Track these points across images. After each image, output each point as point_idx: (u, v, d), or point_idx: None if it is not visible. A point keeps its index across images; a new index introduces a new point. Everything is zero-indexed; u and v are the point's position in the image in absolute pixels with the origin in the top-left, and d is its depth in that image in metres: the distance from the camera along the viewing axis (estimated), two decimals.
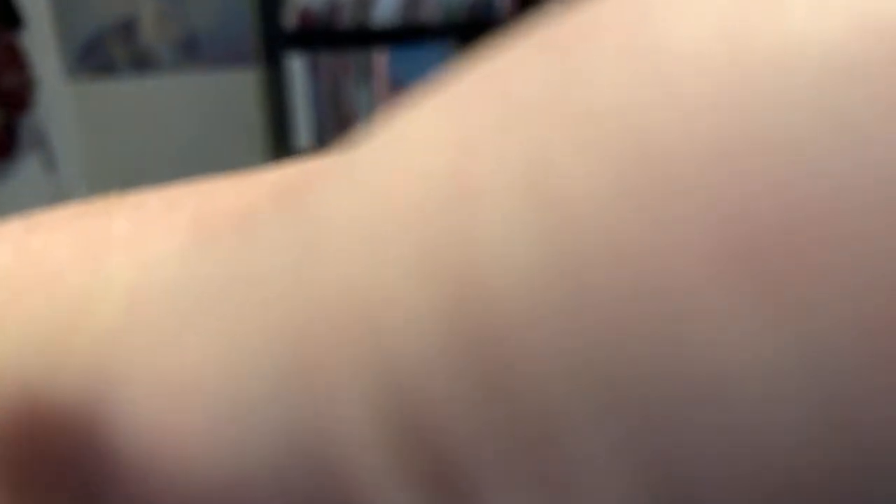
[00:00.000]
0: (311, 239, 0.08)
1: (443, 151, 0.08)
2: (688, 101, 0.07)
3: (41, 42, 1.97)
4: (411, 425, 0.08)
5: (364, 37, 2.01)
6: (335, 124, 2.04)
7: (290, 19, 1.97)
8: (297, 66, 1.99)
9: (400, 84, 2.04)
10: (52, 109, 2.00)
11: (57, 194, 2.04)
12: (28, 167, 1.96)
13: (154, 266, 0.10)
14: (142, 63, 2.06)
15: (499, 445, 0.07)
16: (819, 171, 0.06)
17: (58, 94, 2.01)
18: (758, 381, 0.07)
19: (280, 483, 0.08)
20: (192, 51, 2.07)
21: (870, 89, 0.06)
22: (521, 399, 0.07)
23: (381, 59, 2.02)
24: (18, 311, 0.10)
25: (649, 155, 0.07)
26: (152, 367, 0.09)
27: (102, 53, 2.05)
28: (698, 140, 0.07)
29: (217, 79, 2.09)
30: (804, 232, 0.06)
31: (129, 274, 0.10)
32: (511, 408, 0.07)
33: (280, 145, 2.08)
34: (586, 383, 0.07)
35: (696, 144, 0.07)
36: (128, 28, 2.04)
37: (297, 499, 0.08)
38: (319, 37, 1.98)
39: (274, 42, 1.98)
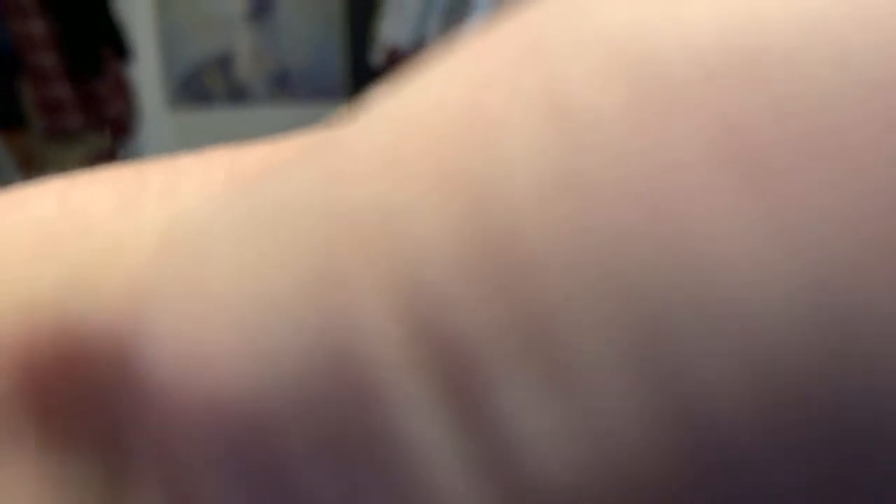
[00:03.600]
0: (337, 168, 0.09)
1: (462, 86, 0.09)
2: (688, 23, 0.07)
3: (147, 73, 2.06)
4: (429, 324, 0.08)
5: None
6: None
7: (377, 56, 2.03)
8: None
9: None
10: (152, 136, 2.10)
11: None
12: None
13: (186, 211, 0.10)
14: (237, 95, 2.15)
15: (507, 340, 0.08)
16: (805, 83, 0.07)
17: (159, 123, 2.12)
18: (750, 268, 0.07)
19: (305, 390, 0.09)
20: (284, 85, 2.16)
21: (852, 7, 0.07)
22: (529, 297, 0.08)
23: None
24: (54, 256, 0.11)
25: (656, 74, 0.07)
26: (183, 293, 0.10)
27: (201, 85, 2.14)
28: (699, 58, 0.07)
29: (307, 112, 2.16)
30: (791, 137, 0.07)
31: (162, 219, 0.10)
32: (520, 305, 0.08)
33: None
34: (591, 281, 0.08)
35: (697, 63, 0.07)
36: (225, 62, 2.14)
37: (321, 406, 0.09)
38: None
39: (362, 78, 2.04)
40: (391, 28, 2.03)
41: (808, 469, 0.08)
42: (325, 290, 0.09)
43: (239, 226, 0.10)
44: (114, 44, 1.95)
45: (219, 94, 2.16)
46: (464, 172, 0.08)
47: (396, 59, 2.04)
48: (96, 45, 1.92)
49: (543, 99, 0.08)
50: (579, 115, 0.08)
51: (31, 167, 1.88)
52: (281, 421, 0.09)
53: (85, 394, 0.11)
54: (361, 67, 2.04)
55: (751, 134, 0.07)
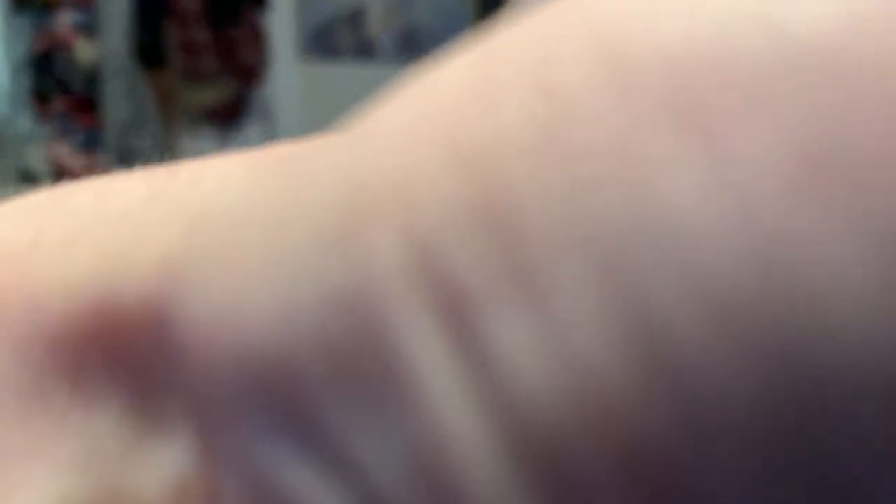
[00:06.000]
0: (358, 147, 0.11)
1: (471, 69, 0.10)
2: (661, 32, 0.09)
3: (280, 24, 2.12)
4: (431, 265, 0.10)
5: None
6: None
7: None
8: None
9: None
10: (280, 85, 2.16)
11: None
12: (251, 136, 2.12)
13: (214, 191, 0.12)
14: (365, 51, 2.18)
15: (496, 273, 0.09)
16: (743, 49, 0.09)
17: (288, 73, 2.17)
18: (702, 217, 0.08)
19: (324, 332, 0.10)
20: (413, 45, 2.18)
21: None
22: (515, 235, 0.09)
23: None
24: (91, 239, 0.12)
25: (629, 61, 0.09)
26: (213, 260, 0.11)
27: (331, 40, 2.19)
28: (663, 55, 0.09)
29: None
30: (733, 100, 0.09)
31: (191, 203, 0.12)
32: (508, 245, 0.09)
33: None
34: (570, 223, 0.09)
35: (661, 56, 0.09)
36: (356, 18, 2.17)
37: (338, 344, 0.10)
38: None
39: None
40: None
41: (752, 385, 0.08)
42: (343, 244, 0.10)
43: (265, 199, 0.11)
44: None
45: (348, 48, 2.20)
46: (468, 144, 0.10)
47: None
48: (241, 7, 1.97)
49: (536, 77, 0.10)
50: (565, 90, 0.09)
51: (169, 105, 1.96)
52: (302, 360, 0.10)
53: (116, 356, 0.12)
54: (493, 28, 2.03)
55: (700, 100, 0.09)
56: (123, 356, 0.12)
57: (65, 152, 1.98)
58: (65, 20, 1.95)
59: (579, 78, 0.09)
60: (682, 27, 0.09)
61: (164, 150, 1.84)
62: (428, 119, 0.10)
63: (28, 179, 1.97)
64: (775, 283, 0.08)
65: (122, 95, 1.98)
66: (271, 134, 2.14)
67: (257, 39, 2.04)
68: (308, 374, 0.10)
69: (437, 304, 0.09)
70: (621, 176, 0.09)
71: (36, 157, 2.00)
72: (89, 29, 1.96)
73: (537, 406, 0.09)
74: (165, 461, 0.11)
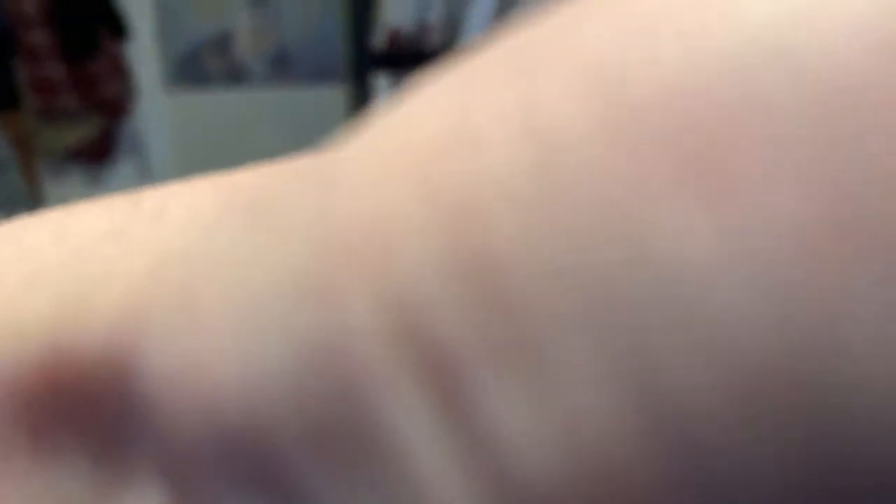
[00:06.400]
0: (329, 186, 0.09)
1: (448, 109, 0.09)
2: (657, 57, 0.08)
3: (143, 53, 2.04)
4: (413, 326, 0.09)
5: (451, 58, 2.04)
6: None
7: (379, 40, 2.01)
8: (383, 86, 2.04)
9: None
10: (149, 118, 2.08)
11: None
12: (124, 172, 2.04)
13: (178, 230, 0.11)
14: (235, 76, 2.13)
15: (487, 341, 0.08)
16: (757, 106, 0.08)
17: (155, 104, 2.10)
18: (709, 271, 0.08)
19: (296, 390, 0.09)
20: (283, 66, 2.14)
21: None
22: (506, 300, 0.08)
23: None
24: (47, 283, 0.11)
25: (625, 97, 0.08)
26: (178, 306, 0.10)
27: (198, 67, 2.12)
28: (664, 88, 0.08)
29: (305, 94, 2.14)
30: (745, 147, 0.08)
31: (153, 240, 0.11)
32: (498, 308, 0.08)
33: None
34: (567, 289, 0.08)
35: (662, 91, 0.08)
36: (223, 43, 2.12)
37: (311, 405, 0.09)
38: (407, 57, 2.03)
39: (362, 61, 2.03)
40: (393, 10, 2.01)
41: (779, 464, 0.08)
42: (314, 295, 0.09)
43: (232, 241, 0.10)
44: (109, 23, 1.92)
45: (217, 74, 2.15)
46: (447, 187, 0.09)
47: (397, 42, 2.02)
48: (91, 23, 1.89)
49: (522, 119, 0.08)
50: (554, 132, 0.08)
51: (25, 148, 1.86)
52: (274, 420, 0.09)
53: (76, 410, 0.11)
54: (362, 51, 2.02)
55: (707, 151, 0.08)
56: (85, 409, 0.11)
57: None
58: None
59: (567, 115, 0.08)
60: (684, 53, 0.08)
61: (27, 198, 1.74)
62: (402, 156, 0.09)
63: None
64: (798, 348, 0.08)
65: None
66: (145, 169, 2.07)
67: (120, 72, 1.96)
68: (280, 437, 0.09)
69: (421, 370, 0.09)
70: (618, 232, 0.08)
71: None
72: None
73: (533, 480, 0.08)
74: None
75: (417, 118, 0.09)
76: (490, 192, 0.08)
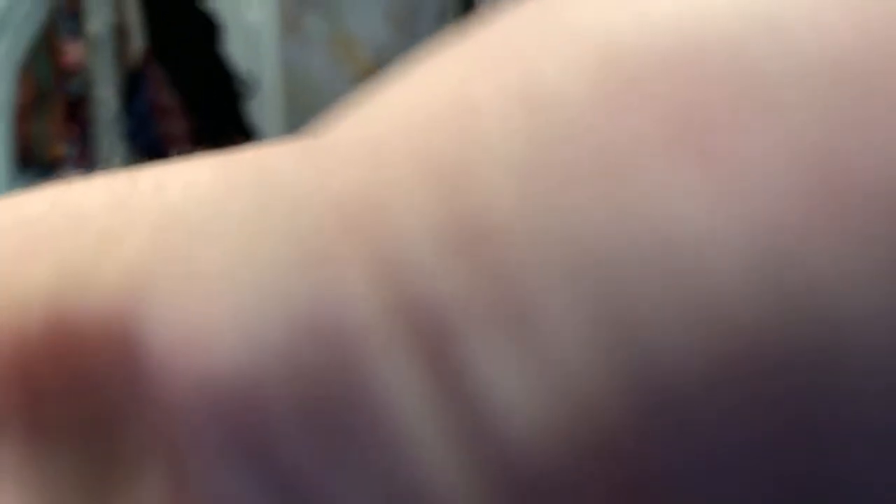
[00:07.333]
0: (325, 157, 0.10)
1: (445, 84, 0.09)
2: (649, 23, 0.08)
3: None
4: (406, 292, 0.09)
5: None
6: None
7: None
8: None
9: None
10: None
11: None
12: None
13: (177, 202, 0.10)
14: None
15: (478, 303, 0.08)
16: (748, 68, 0.08)
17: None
18: (700, 226, 0.08)
19: (291, 360, 0.09)
20: None
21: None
22: (497, 263, 0.08)
23: None
24: (47, 251, 0.11)
25: (618, 65, 0.08)
26: (177, 278, 0.10)
27: None
28: (657, 53, 0.08)
29: None
30: (734, 115, 0.08)
31: (153, 212, 0.11)
32: (493, 274, 0.08)
33: None
34: (559, 250, 0.08)
35: (655, 57, 0.08)
36: None
37: (306, 374, 0.09)
38: None
39: None
40: None
41: (757, 422, 0.08)
42: (311, 265, 0.09)
43: (231, 213, 0.10)
44: (246, 143, 2.07)
45: None
46: (443, 154, 0.09)
47: None
48: (230, 142, 2.05)
49: (519, 89, 0.09)
50: (550, 101, 0.09)
51: None
52: (269, 391, 0.09)
53: (76, 381, 0.11)
54: None
55: (699, 112, 0.08)
56: (83, 383, 0.10)
57: None
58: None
59: (562, 81, 0.09)
60: (677, 20, 0.08)
61: None
62: (399, 127, 0.09)
63: None
64: (788, 310, 0.08)
65: None
66: None
67: None
68: (274, 409, 0.09)
69: (414, 336, 0.09)
70: (616, 199, 0.08)
71: None
72: None
73: (523, 441, 0.08)
74: None
75: (415, 92, 0.10)
76: (485, 156, 0.09)
